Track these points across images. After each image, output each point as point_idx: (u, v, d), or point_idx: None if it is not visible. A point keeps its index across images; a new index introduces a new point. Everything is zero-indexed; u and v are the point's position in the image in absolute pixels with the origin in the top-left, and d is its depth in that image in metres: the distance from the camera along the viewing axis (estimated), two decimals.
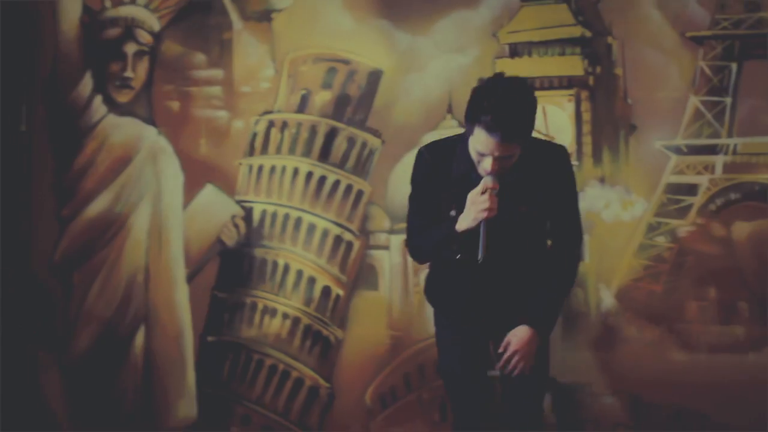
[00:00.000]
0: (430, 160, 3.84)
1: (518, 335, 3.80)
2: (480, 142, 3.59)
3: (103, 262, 5.95)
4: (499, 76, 3.67)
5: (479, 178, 3.68)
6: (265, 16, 5.91)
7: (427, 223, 3.84)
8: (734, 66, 5.37)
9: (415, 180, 3.90)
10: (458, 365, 3.94)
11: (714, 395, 5.27)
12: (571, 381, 5.46)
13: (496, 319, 3.88)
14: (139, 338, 5.90)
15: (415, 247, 3.95)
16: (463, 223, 3.68)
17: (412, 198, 3.92)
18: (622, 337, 5.44)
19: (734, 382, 5.25)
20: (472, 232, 3.68)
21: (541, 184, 3.77)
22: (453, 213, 3.75)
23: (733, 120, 5.36)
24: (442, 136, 3.97)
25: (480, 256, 3.64)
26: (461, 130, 3.81)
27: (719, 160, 5.38)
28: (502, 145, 3.57)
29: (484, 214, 3.62)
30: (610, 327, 5.46)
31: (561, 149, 3.91)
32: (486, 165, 3.62)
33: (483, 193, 3.63)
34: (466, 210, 3.67)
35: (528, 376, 3.83)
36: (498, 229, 3.68)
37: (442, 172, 3.80)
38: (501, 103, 3.53)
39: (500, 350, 3.82)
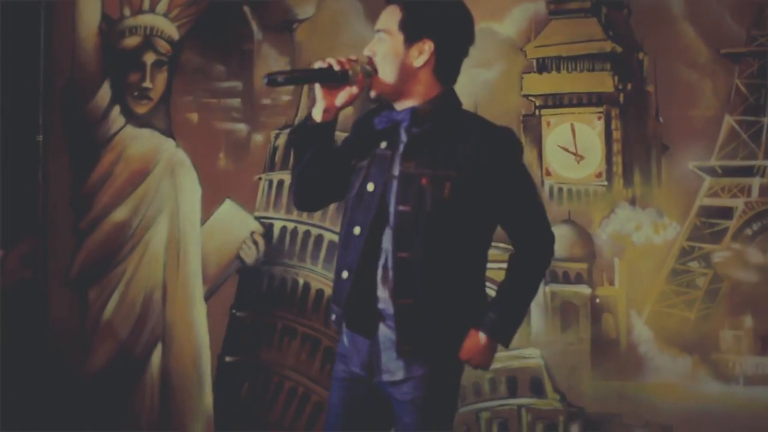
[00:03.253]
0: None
1: (470, 340, 3.20)
2: None
3: (120, 277, 5.84)
4: None
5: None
6: (287, 26, 5.81)
7: None
8: None
9: None
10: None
11: (750, 429, 5.11)
12: (600, 411, 5.30)
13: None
14: (156, 357, 5.80)
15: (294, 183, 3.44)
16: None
17: None
18: (654, 366, 5.28)
19: None
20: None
21: (471, 168, 3.17)
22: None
23: None
24: None
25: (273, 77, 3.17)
26: None
27: (755, 183, 5.23)
28: (385, 11, 3.28)
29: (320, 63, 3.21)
30: (640, 355, 5.31)
31: (508, 132, 3.27)
32: None
33: None
34: None
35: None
36: (386, 201, 3.21)
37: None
38: None
39: None
